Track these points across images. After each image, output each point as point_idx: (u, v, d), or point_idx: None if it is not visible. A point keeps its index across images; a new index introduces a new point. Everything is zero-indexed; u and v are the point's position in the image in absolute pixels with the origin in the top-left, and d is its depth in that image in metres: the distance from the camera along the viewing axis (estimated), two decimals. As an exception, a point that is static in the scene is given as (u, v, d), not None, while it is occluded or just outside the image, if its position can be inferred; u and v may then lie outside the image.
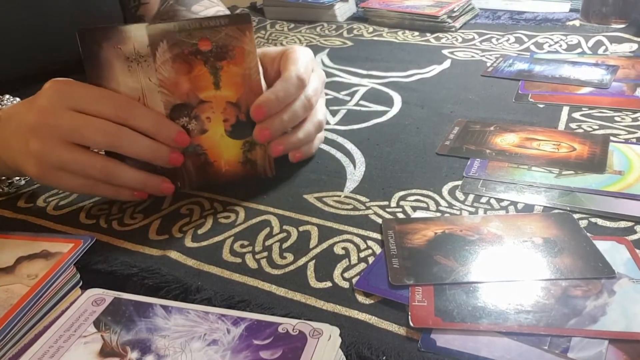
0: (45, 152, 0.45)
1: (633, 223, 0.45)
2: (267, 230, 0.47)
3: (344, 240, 0.45)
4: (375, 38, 0.98)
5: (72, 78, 0.48)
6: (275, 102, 0.50)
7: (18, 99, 0.54)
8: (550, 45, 0.88)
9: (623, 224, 0.45)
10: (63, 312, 0.36)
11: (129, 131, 0.47)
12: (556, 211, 0.47)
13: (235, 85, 0.50)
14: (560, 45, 0.87)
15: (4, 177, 0.54)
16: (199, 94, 0.49)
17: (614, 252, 0.41)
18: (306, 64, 0.53)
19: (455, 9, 1.02)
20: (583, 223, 0.45)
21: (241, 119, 0.51)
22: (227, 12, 0.83)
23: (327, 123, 0.66)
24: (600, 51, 0.84)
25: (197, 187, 0.53)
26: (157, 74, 0.48)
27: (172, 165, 0.49)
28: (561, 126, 0.61)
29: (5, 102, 0.53)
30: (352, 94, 0.74)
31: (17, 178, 0.55)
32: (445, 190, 0.51)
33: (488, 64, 0.82)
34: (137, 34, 0.47)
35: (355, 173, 0.55)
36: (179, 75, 0.48)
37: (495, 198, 0.49)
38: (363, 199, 0.51)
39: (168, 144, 0.48)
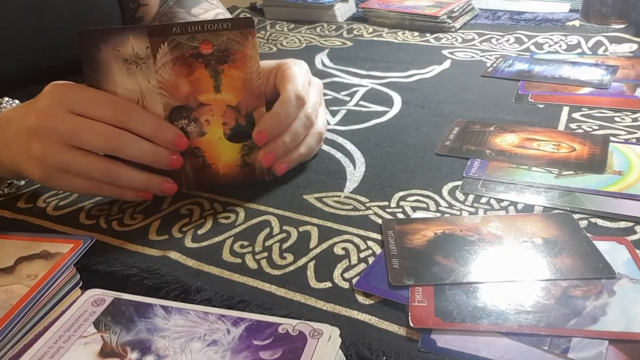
0: (47, 155, 0.46)
1: (633, 223, 0.45)
2: (267, 230, 0.47)
3: (344, 241, 0.45)
4: (375, 38, 0.98)
5: (71, 79, 0.48)
6: (276, 125, 0.51)
7: (17, 102, 0.53)
8: (550, 46, 0.88)
9: (623, 224, 0.45)
10: (63, 312, 0.36)
11: (128, 135, 0.47)
12: (556, 211, 0.47)
13: (236, 89, 0.49)
14: (560, 46, 0.87)
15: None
16: (199, 96, 0.49)
17: (614, 252, 0.41)
18: (303, 80, 0.54)
19: (455, 10, 1.02)
20: (583, 223, 0.45)
21: (240, 122, 0.51)
22: (228, 15, 0.83)
23: (327, 123, 0.66)
24: (600, 51, 0.84)
25: (195, 188, 0.53)
26: (157, 76, 0.48)
27: (171, 168, 0.50)
28: (561, 126, 0.61)
29: (4, 104, 0.53)
30: (352, 94, 0.74)
31: (10, 182, 0.55)
32: (445, 190, 0.51)
33: (488, 64, 0.82)
34: (136, 36, 0.47)
35: (355, 173, 0.55)
36: (179, 77, 0.48)
37: (495, 198, 0.49)
38: (363, 199, 0.51)
39: (167, 147, 0.48)
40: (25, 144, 0.46)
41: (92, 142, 0.46)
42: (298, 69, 0.55)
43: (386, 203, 0.50)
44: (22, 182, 0.55)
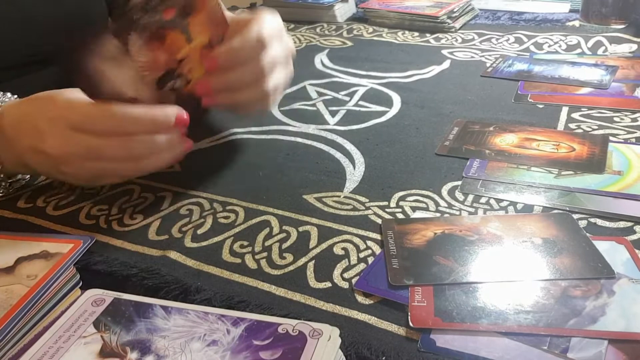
0: (79, 174, 0.48)
1: (632, 223, 0.45)
2: (266, 230, 0.47)
3: (343, 241, 0.45)
4: (375, 38, 0.98)
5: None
6: (227, 56, 0.49)
7: (14, 96, 0.53)
8: (549, 46, 0.88)
9: (622, 224, 0.45)
10: (63, 312, 0.36)
11: (144, 151, 0.48)
12: (555, 211, 0.47)
13: (203, 29, 0.50)
14: (560, 46, 0.87)
15: (2, 176, 0.53)
16: (176, 56, 0.50)
17: (613, 252, 0.41)
18: (271, 28, 0.52)
19: (455, 10, 1.02)
20: (582, 223, 0.45)
21: None
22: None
23: (327, 123, 0.66)
24: (600, 52, 0.84)
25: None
26: (135, 63, 0.49)
27: (187, 151, 0.51)
28: (560, 126, 0.61)
29: (2, 98, 0.53)
30: (351, 94, 0.74)
31: (16, 178, 0.54)
32: (444, 190, 0.51)
33: (487, 65, 0.82)
34: (108, 36, 0.48)
35: (354, 173, 0.55)
36: (154, 52, 0.49)
37: (494, 198, 0.49)
38: (363, 199, 0.51)
39: (172, 131, 0.48)
40: (55, 171, 0.49)
41: (114, 154, 0.47)
42: (270, 18, 0.53)
43: (386, 203, 0.50)
44: (27, 177, 0.55)
